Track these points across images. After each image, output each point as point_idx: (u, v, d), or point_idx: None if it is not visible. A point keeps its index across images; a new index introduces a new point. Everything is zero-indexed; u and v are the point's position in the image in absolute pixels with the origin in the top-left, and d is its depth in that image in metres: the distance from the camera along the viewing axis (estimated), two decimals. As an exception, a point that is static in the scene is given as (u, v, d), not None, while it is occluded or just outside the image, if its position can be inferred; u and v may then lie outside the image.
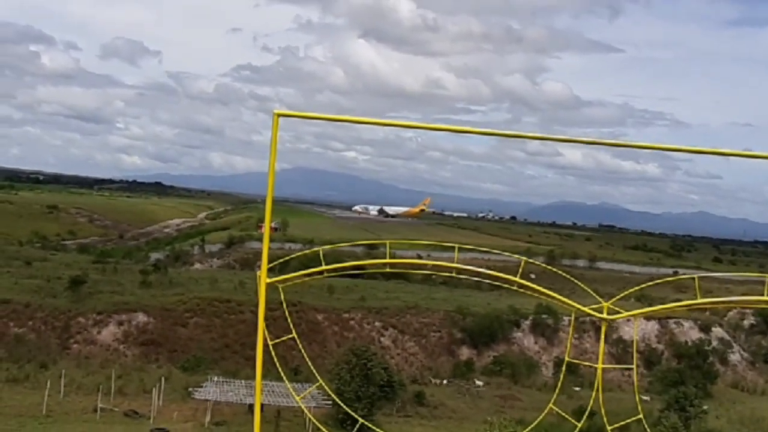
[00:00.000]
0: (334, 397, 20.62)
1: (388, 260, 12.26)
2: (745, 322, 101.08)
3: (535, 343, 77.14)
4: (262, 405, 46.14)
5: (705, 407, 54.25)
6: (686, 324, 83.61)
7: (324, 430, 15.32)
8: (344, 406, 20.41)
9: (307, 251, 14.53)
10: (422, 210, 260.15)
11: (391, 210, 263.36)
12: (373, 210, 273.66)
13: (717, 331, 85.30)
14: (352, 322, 72.83)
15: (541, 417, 13.95)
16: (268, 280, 10.83)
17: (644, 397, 59.56)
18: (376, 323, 73.41)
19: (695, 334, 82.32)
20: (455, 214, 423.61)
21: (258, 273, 11.12)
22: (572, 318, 14.64)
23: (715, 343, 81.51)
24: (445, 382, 65.21)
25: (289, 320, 11.77)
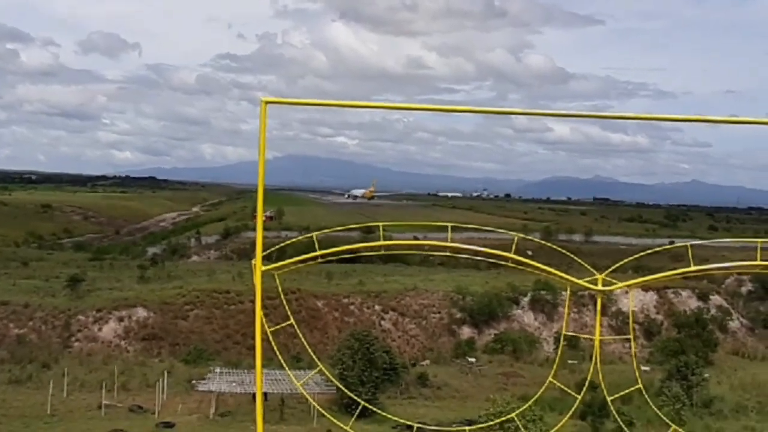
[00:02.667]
0: (336, 382, 20.61)
1: (382, 243, 12.28)
2: (743, 289, 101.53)
3: (535, 319, 77.42)
4: (266, 393, 46.24)
5: (706, 375, 54.55)
6: (684, 293, 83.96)
7: (327, 414, 15.39)
8: (345, 390, 20.46)
9: (301, 237, 14.47)
10: (372, 191, 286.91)
11: (357, 192, 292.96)
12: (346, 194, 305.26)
13: (715, 299, 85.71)
14: (352, 307, 72.96)
15: (540, 392, 14.01)
16: (263, 268, 10.85)
17: (644, 368, 59.85)
18: (376, 307, 73.54)
19: (694, 303, 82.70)
20: (450, 194, 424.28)
21: (253, 262, 11.12)
22: (568, 292, 14.78)
23: (713, 311, 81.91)
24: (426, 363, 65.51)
25: (286, 307, 11.80)
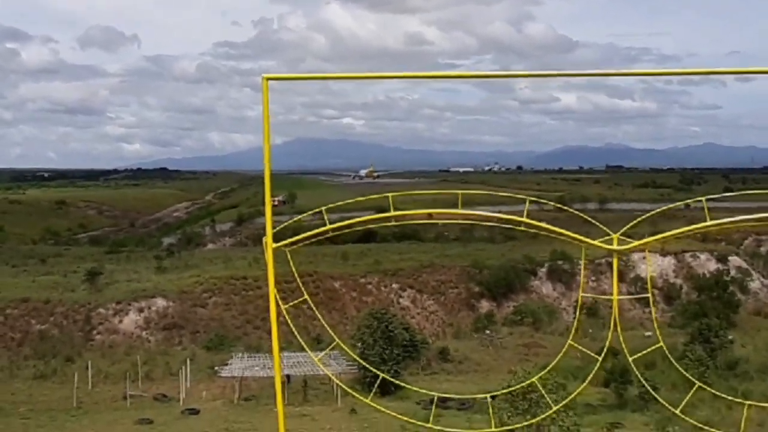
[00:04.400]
0: (356, 358, 20.55)
1: (393, 213, 12.16)
2: (762, 249, 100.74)
3: (554, 289, 77.35)
4: (288, 376, 46.32)
5: (730, 337, 54.21)
6: (703, 256, 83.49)
7: (350, 391, 15.37)
8: (364, 363, 20.33)
9: (311, 212, 14.41)
10: (372, 170, 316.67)
11: (363, 172, 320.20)
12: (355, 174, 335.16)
13: (734, 260, 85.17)
14: (369, 286, 73.06)
15: (560, 356, 13.90)
16: (274, 245, 10.75)
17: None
18: (393, 285, 73.61)
19: (713, 266, 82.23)
20: (461, 170, 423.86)
21: (264, 240, 11.03)
22: (583, 254, 14.60)
23: (733, 273, 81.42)
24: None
25: (299, 284, 11.73)
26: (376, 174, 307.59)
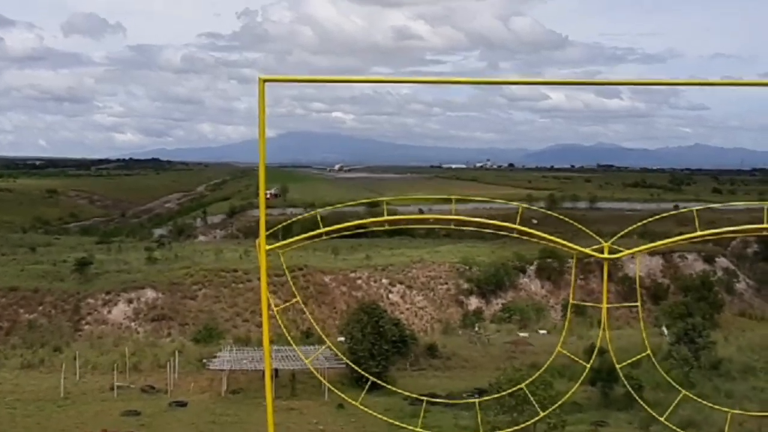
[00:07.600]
0: (343, 358, 20.59)
1: (387, 218, 12.29)
2: (749, 251, 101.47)
3: (542, 287, 77.67)
4: (277, 370, 46.40)
5: (710, 339, 54.48)
6: (690, 257, 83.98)
7: (336, 391, 15.50)
8: (353, 365, 20.40)
9: (306, 215, 14.54)
10: (342, 167, 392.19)
11: (336, 167, 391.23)
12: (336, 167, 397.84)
13: (721, 261, 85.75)
14: (359, 281, 73.16)
15: (549, 361, 14.09)
16: (268, 248, 10.88)
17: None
18: (383, 280, 73.75)
19: (700, 266, 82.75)
20: (453, 166, 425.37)
21: (257, 241, 11.16)
22: (574, 260, 14.80)
23: (720, 273, 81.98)
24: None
25: (292, 285, 11.88)
26: (347, 169, 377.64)
